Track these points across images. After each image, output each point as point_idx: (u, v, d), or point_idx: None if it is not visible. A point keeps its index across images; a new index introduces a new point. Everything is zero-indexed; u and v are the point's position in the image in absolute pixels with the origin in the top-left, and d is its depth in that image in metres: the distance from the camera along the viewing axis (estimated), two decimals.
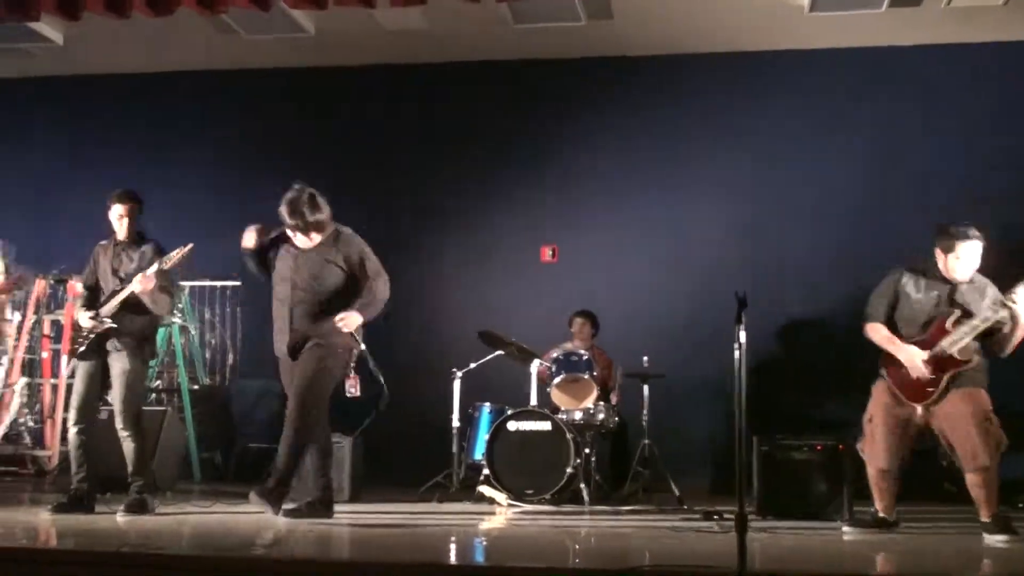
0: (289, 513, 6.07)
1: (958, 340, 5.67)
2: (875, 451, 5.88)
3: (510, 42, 9.50)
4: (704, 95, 9.68)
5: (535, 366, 7.95)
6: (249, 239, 6.38)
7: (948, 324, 5.74)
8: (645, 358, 7.99)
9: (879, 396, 5.93)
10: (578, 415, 7.71)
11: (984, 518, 5.62)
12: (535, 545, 5.52)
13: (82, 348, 6.45)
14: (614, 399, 8.33)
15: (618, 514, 7.01)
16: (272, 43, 9.65)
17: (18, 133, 10.69)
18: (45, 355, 9.46)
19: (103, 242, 6.67)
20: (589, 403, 7.75)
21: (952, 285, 5.85)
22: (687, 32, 9.26)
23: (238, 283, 9.47)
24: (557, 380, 7.77)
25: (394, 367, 9.28)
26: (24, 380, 9.21)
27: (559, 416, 7.59)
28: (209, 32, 9.33)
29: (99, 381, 6.47)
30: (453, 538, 5.71)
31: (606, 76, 9.83)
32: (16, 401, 9.07)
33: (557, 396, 7.80)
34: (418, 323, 9.67)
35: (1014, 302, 5.61)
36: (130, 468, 6.43)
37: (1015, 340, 5.71)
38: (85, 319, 6.45)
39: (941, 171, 8.97)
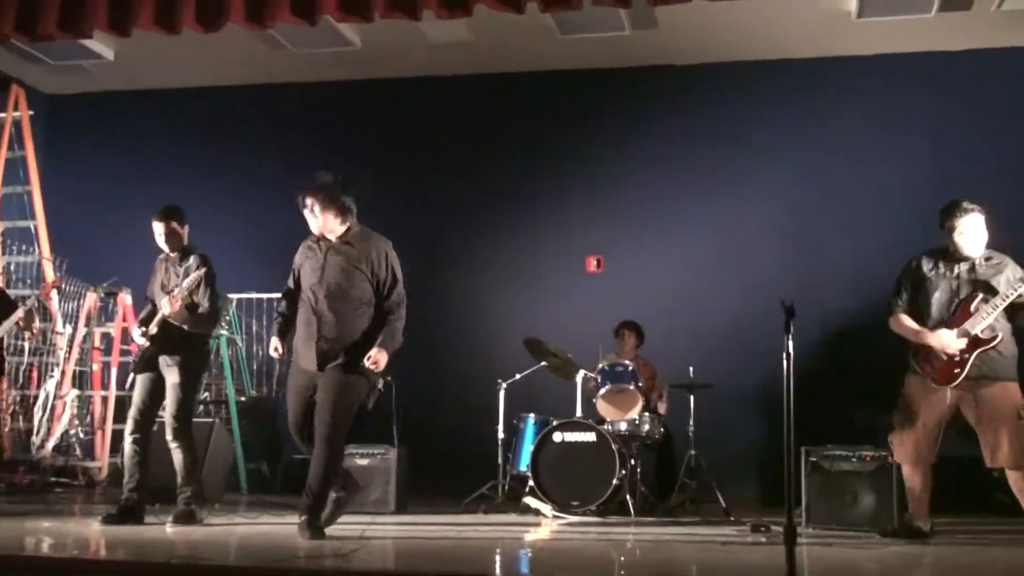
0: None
1: (982, 320, 5.68)
2: (904, 444, 5.89)
3: (555, 52, 9.51)
4: (749, 103, 9.63)
5: (580, 377, 7.92)
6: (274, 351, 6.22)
7: (972, 306, 5.74)
8: (691, 368, 7.95)
9: (908, 389, 5.94)
10: (623, 426, 7.68)
11: None
12: (580, 557, 5.50)
13: (136, 361, 6.60)
14: (661, 408, 8.29)
15: (664, 525, 6.95)
16: (319, 56, 9.74)
17: (72, 148, 10.86)
18: (96, 367, 9.60)
19: (161, 256, 6.74)
20: (634, 414, 7.71)
21: (970, 264, 5.85)
22: (732, 40, 9.21)
23: None
24: (602, 391, 7.75)
25: (440, 378, 9.40)
26: (75, 392, 9.34)
27: (604, 427, 7.56)
28: (257, 46, 9.43)
29: (154, 393, 6.53)
30: (498, 550, 5.70)
31: (652, 85, 9.81)
32: (67, 413, 9.20)
33: (602, 407, 7.77)
34: (463, 334, 9.70)
35: None
36: (179, 479, 6.50)
37: None
38: (136, 334, 6.60)
39: (990, 176, 8.81)
